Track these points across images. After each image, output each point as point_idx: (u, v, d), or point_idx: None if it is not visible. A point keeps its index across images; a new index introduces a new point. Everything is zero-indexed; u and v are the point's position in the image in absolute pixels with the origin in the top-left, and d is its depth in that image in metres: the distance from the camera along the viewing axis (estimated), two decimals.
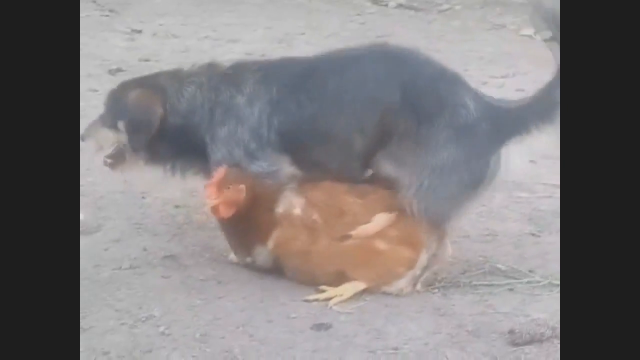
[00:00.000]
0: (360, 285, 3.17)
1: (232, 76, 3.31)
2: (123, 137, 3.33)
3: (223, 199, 3.13)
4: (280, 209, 3.20)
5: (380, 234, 3.17)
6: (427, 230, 3.16)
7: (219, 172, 3.14)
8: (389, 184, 3.18)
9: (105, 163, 3.43)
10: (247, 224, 3.20)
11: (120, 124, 3.32)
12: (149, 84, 3.37)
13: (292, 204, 3.20)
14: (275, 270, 3.25)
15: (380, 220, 3.16)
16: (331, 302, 3.11)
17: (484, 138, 3.16)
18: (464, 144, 3.13)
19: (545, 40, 3.28)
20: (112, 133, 3.36)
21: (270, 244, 3.20)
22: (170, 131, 3.28)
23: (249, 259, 3.27)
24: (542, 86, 3.23)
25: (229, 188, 3.12)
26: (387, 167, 3.19)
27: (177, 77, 3.36)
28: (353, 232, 3.15)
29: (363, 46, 3.37)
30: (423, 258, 3.18)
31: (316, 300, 3.13)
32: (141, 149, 3.34)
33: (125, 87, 3.40)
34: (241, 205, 3.15)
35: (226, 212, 3.16)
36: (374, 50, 3.35)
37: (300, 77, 3.25)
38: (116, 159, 3.41)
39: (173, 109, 3.28)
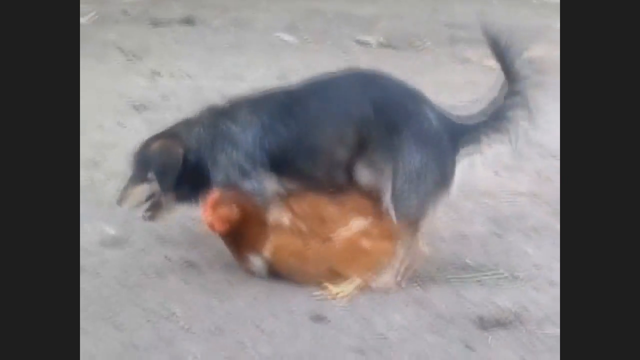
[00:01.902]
0: (356, 281, 3.15)
1: (228, 111, 3.29)
2: (155, 186, 3.30)
3: (216, 216, 3.13)
4: (270, 221, 3.19)
5: (363, 233, 3.15)
6: (402, 227, 3.13)
7: (212, 195, 3.14)
8: (367, 189, 3.16)
9: (144, 218, 3.41)
10: (242, 237, 3.19)
11: (150, 174, 3.29)
12: (167, 134, 3.35)
13: (280, 216, 3.18)
14: (272, 276, 3.22)
15: (356, 224, 3.15)
16: (338, 298, 3.10)
17: (445, 145, 3.14)
18: (429, 150, 3.11)
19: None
20: (145, 186, 3.31)
21: (266, 251, 3.18)
22: (188, 169, 3.26)
23: (251, 269, 3.24)
24: (490, 103, 3.24)
25: (221, 207, 3.12)
26: (365, 174, 3.17)
27: (187, 123, 3.34)
28: (332, 236, 3.14)
29: (337, 71, 3.33)
30: (400, 251, 3.15)
31: (321, 295, 3.11)
32: (171, 189, 3.30)
33: (146, 143, 3.36)
34: (234, 221, 3.15)
35: (220, 228, 3.16)
36: (347, 73, 3.33)
37: (286, 103, 3.24)
38: (153, 211, 3.38)
39: (187, 149, 3.26)
